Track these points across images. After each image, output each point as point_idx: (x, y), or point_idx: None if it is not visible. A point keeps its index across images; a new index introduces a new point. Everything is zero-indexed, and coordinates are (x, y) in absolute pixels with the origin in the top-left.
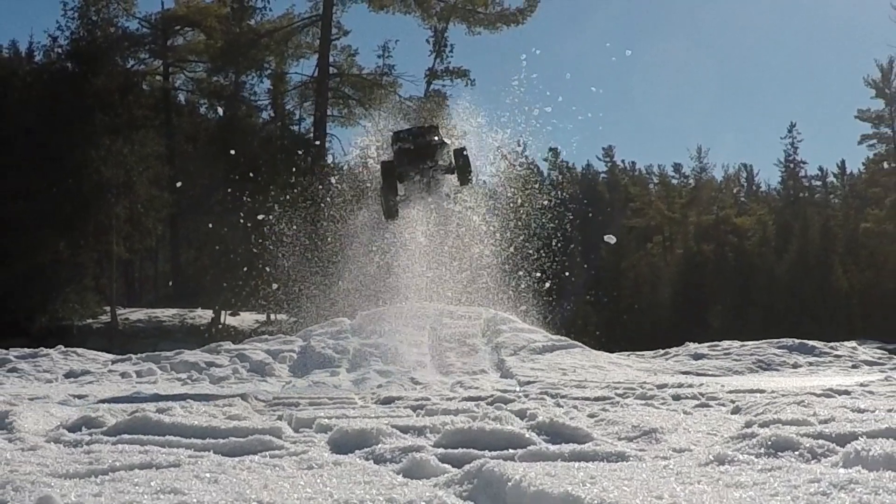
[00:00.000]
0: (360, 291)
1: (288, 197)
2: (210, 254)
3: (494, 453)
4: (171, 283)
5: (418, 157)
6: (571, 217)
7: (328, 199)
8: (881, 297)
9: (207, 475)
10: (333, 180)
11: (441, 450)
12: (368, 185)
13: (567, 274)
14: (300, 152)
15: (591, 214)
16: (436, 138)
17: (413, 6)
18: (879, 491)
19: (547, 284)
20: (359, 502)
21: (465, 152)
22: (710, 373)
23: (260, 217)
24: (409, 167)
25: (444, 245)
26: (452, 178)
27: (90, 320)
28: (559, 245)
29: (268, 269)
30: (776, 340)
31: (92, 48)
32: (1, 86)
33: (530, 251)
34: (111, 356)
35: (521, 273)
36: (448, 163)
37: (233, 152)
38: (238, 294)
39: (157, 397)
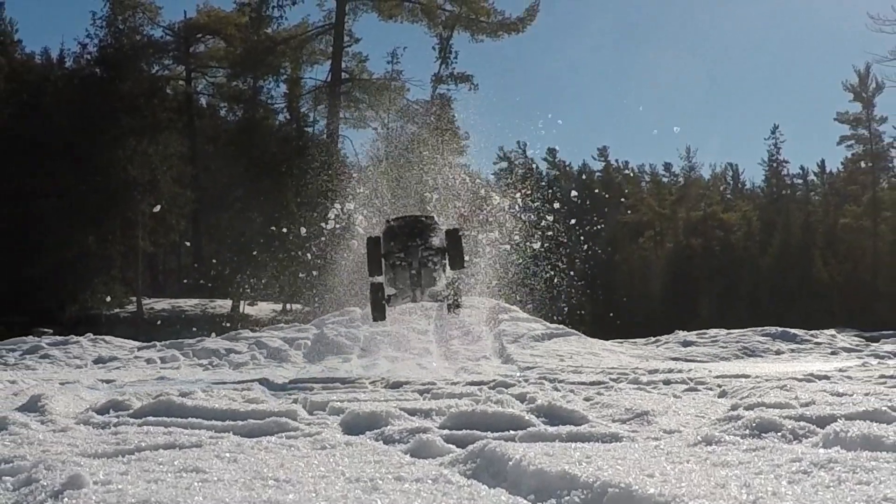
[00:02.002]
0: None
1: (302, 194)
2: (230, 248)
3: (496, 434)
4: (185, 281)
5: (407, 234)
6: (567, 212)
7: (340, 196)
8: (858, 287)
9: (227, 455)
10: (345, 178)
11: (446, 431)
12: (376, 184)
13: (564, 266)
14: (314, 152)
15: (587, 209)
16: (429, 219)
17: (420, 15)
18: (857, 469)
19: (545, 276)
20: (369, 480)
21: (458, 233)
22: (698, 359)
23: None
24: (396, 245)
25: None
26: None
27: (117, 310)
28: (557, 239)
29: (283, 262)
30: (760, 328)
31: (119, 55)
32: (34, 90)
33: (530, 245)
34: (137, 343)
35: (521, 266)
36: (440, 244)
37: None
38: (256, 285)
39: (180, 382)
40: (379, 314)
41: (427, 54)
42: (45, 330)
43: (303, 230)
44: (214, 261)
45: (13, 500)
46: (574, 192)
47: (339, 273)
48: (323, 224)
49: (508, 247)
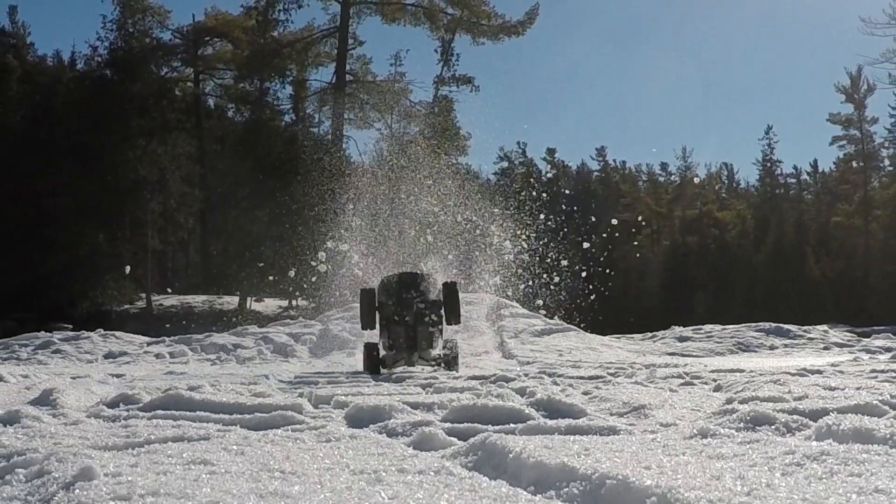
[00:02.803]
0: (375, 280)
1: (308, 192)
2: (236, 245)
3: (497, 427)
4: (187, 276)
5: (402, 285)
6: (566, 210)
7: (345, 194)
8: (850, 284)
9: (234, 447)
10: (350, 177)
11: (448, 424)
12: (382, 183)
13: (563, 264)
14: (319, 152)
15: (583, 208)
16: (425, 275)
17: (422, 19)
18: (848, 462)
19: (545, 273)
20: (373, 472)
21: (455, 287)
22: (693, 354)
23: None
24: (391, 297)
25: (450, 240)
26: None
27: (127, 306)
28: (556, 237)
29: (289, 258)
30: (754, 324)
31: (129, 57)
32: (46, 92)
33: (531, 242)
34: (146, 339)
35: (521, 263)
36: (436, 297)
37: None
38: (262, 282)
39: (189, 376)
40: (373, 370)
41: (429, 57)
42: (65, 325)
43: (291, 272)
44: (214, 252)
45: (26, 492)
46: (573, 191)
47: (344, 272)
48: (314, 263)
49: (508, 244)
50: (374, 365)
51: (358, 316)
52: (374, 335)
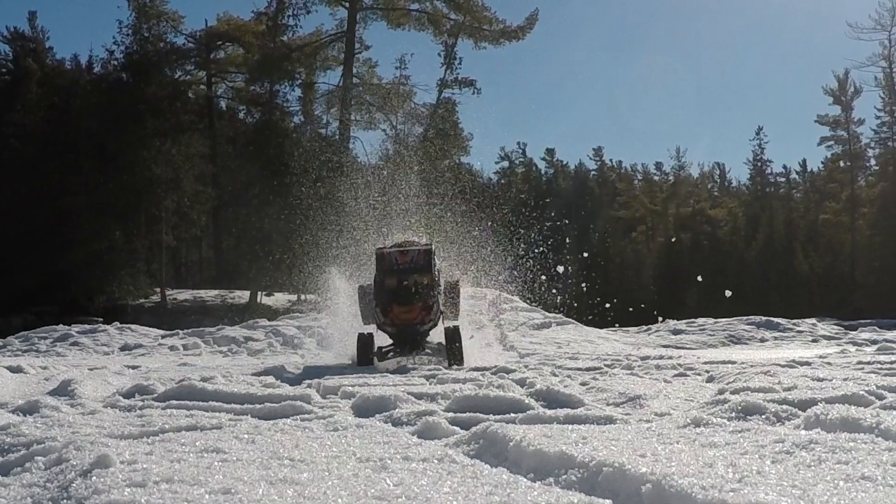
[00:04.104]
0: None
1: (315, 191)
2: (248, 242)
3: (498, 417)
4: (200, 271)
5: (405, 271)
6: (564, 208)
7: (352, 193)
8: (837, 279)
9: (245, 436)
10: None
11: (451, 414)
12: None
13: (562, 259)
14: (327, 152)
15: (583, 208)
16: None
17: (426, 24)
18: (836, 450)
19: (544, 268)
20: (379, 459)
21: (457, 286)
22: (687, 346)
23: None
24: (386, 277)
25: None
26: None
27: (142, 300)
28: (556, 232)
29: (298, 254)
30: (745, 318)
31: (144, 61)
32: (65, 94)
33: (531, 238)
34: (161, 332)
35: (522, 258)
36: (435, 272)
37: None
38: (272, 277)
39: (201, 368)
40: (367, 362)
41: (433, 60)
42: (95, 318)
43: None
44: (226, 249)
45: (45, 479)
46: (571, 190)
47: (352, 266)
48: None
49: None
50: (368, 356)
51: (359, 311)
52: (370, 326)
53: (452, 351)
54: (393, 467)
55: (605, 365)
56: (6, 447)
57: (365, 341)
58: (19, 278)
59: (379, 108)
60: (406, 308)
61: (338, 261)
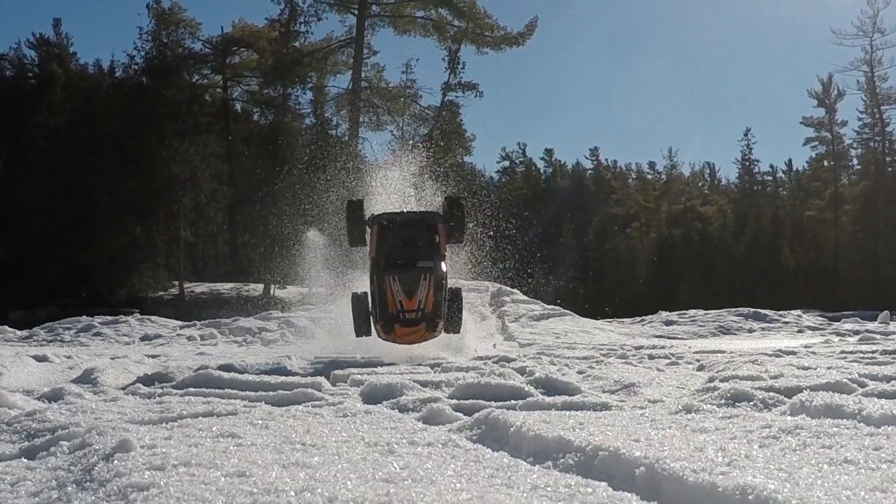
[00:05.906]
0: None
1: (326, 190)
2: (261, 237)
3: (499, 403)
4: (216, 265)
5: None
6: (562, 205)
7: (359, 191)
8: (822, 273)
9: (259, 422)
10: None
11: (454, 401)
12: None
13: (560, 254)
14: (337, 153)
15: (580, 205)
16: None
17: (431, 30)
18: (820, 435)
19: (543, 263)
20: (386, 444)
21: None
22: (679, 336)
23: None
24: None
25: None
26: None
27: (162, 293)
28: (554, 229)
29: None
30: (734, 309)
31: (163, 65)
32: (88, 97)
33: (531, 235)
34: (179, 322)
35: (522, 253)
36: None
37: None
38: (285, 270)
39: (220, 356)
40: (365, 328)
41: (437, 65)
42: (133, 310)
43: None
44: (241, 244)
45: (69, 462)
46: (568, 188)
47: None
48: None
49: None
50: (366, 317)
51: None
52: (363, 285)
53: (451, 316)
54: (399, 451)
55: (601, 354)
56: (33, 432)
57: (359, 301)
58: (45, 272)
59: (386, 110)
60: (411, 330)
61: (347, 255)
